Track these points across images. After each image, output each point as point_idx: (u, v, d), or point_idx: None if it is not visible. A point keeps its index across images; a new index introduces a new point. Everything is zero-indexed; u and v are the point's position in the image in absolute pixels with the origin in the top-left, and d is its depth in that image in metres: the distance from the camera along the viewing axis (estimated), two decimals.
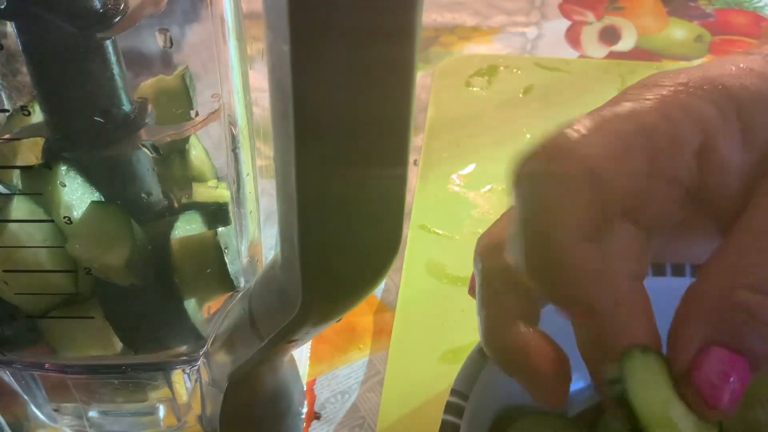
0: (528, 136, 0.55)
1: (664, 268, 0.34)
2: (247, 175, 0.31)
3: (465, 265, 0.47)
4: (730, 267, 0.22)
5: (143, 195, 0.29)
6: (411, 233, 0.49)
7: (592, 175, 0.22)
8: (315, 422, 0.40)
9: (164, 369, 0.33)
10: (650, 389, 0.22)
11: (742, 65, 0.23)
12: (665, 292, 0.33)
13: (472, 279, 0.28)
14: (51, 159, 0.26)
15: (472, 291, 0.28)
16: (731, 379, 0.21)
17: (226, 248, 0.30)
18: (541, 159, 0.22)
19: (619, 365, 0.22)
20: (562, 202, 0.22)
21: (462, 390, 0.30)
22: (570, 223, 0.21)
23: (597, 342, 0.23)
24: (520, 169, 0.23)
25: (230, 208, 0.31)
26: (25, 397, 0.35)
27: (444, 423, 0.29)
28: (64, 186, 0.27)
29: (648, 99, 0.23)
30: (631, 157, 0.22)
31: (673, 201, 0.24)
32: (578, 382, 0.35)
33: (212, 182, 0.31)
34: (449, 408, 0.30)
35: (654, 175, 0.23)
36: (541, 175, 0.22)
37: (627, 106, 0.23)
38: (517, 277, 0.24)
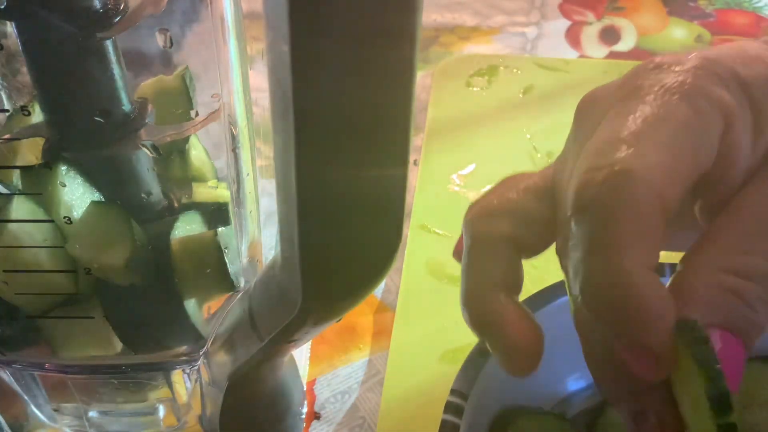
0: (528, 136, 0.55)
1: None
2: (247, 175, 0.31)
3: None
4: (718, 251, 0.22)
5: (143, 195, 0.29)
6: (411, 233, 0.49)
7: (662, 200, 0.21)
8: (315, 422, 0.40)
9: (164, 369, 0.33)
10: None
11: (750, 52, 0.23)
12: None
13: (459, 243, 0.28)
14: (51, 159, 0.26)
15: (457, 255, 0.28)
16: (730, 358, 0.21)
17: (226, 248, 0.30)
18: (607, 185, 0.21)
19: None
20: (633, 230, 0.21)
21: (461, 390, 0.30)
22: (641, 253, 0.21)
23: (622, 369, 0.22)
24: (584, 196, 0.22)
25: (230, 208, 0.31)
26: (25, 397, 0.35)
27: (444, 422, 0.29)
28: (64, 186, 0.27)
29: (670, 90, 0.22)
30: (682, 166, 0.22)
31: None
32: (578, 382, 0.35)
33: (212, 182, 0.31)
34: (449, 408, 0.30)
35: (696, 168, 0.22)
36: (609, 202, 0.21)
37: (655, 103, 0.22)
38: (505, 247, 0.25)
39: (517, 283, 0.26)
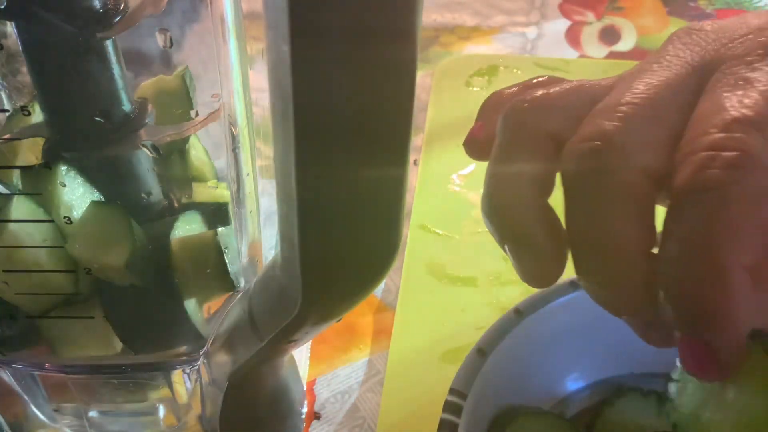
0: None
1: None
2: (247, 175, 0.31)
3: (465, 265, 0.47)
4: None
5: (143, 195, 0.29)
6: (411, 233, 0.49)
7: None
8: (315, 422, 0.40)
9: (164, 369, 0.33)
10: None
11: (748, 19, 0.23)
12: None
13: (476, 129, 0.26)
14: (51, 159, 0.26)
15: (471, 143, 0.26)
16: None
17: (226, 248, 0.30)
18: (730, 172, 0.20)
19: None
20: (743, 224, 0.20)
21: (460, 389, 0.30)
22: (742, 251, 0.19)
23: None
24: (707, 177, 0.20)
25: (230, 208, 0.31)
26: (25, 397, 0.35)
27: (442, 421, 0.29)
28: (64, 186, 0.27)
29: (666, 57, 0.23)
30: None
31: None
32: (577, 382, 0.36)
33: (212, 182, 0.31)
34: (447, 407, 0.30)
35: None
36: (728, 190, 0.20)
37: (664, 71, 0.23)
38: (550, 146, 0.23)
39: (550, 187, 0.24)
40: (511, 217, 0.24)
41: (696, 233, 0.20)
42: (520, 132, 0.24)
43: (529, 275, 0.23)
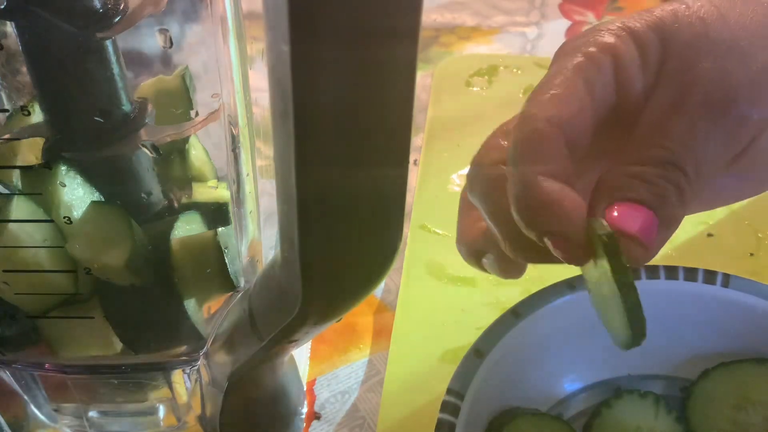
0: None
1: (658, 271, 0.34)
2: (247, 175, 0.31)
3: (465, 265, 0.47)
4: (624, 156, 0.27)
5: (143, 195, 0.29)
6: (411, 233, 0.49)
7: (556, 125, 0.27)
8: (315, 422, 0.40)
9: (164, 369, 0.33)
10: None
11: (649, 12, 0.29)
12: (659, 295, 0.34)
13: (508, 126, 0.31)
14: (51, 159, 0.26)
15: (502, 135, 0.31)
16: (639, 221, 0.25)
17: (226, 248, 0.30)
18: (518, 126, 0.28)
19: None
20: (535, 151, 0.27)
21: (457, 389, 0.30)
22: (546, 167, 0.26)
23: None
24: (512, 138, 0.28)
25: (230, 208, 0.31)
26: (25, 397, 0.35)
27: (440, 421, 0.29)
28: (64, 186, 0.27)
29: (574, 48, 0.29)
30: (575, 98, 0.27)
31: (589, 121, 0.28)
32: (575, 384, 0.36)
33: (212, 182, 0.31)
34: (445, 407, 0.30)
35: (594, 102, 0.28)
36: (520, 137, 0.27)
37: (560, 61, 0.29)
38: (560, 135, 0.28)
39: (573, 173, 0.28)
40: (540, 206, 0.27)
41: (513, 167, 0.27)
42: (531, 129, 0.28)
43: (565, 254, 0.27)
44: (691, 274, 0.34)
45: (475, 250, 0.31)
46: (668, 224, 0.26)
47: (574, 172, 0.27)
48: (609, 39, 0.28)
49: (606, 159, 0.30)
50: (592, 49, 0.28)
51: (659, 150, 0.27)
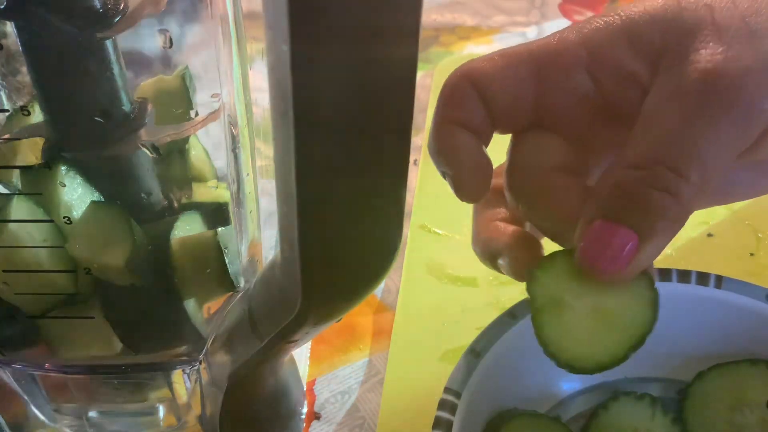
0: None
1: (670, 274, 0.34)
2: (247, 175, 0.31)
3: (465, 265, 0.47)
4: (618, 158, 0.26)
5: (143, 195, 0.29)
6: (411, 233, 0.49)
7: (469, 78, 0.28)
8: (315, 422, 0.40)
9: (164, 369, 0.33)
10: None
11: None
12: (671, 298, 0.34)
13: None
14: (51, 159, 0.26)
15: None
16: (613, 244, 0.24)
17: (226, 248, 0.30)
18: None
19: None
20: (453, 105, 0.28)
21: (455, 388, 0.30)
22: (449, 113, 0.28)
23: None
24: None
25: (230, 208, 0.31)
26: (25, 397, 0.35)
27: (437, 419, 0.29)
28: (64, 186, 0.27)
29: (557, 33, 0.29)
30: (515, 69, 0.28)
31: (582, 112, 0.28)
32: (572, 383, 0.36)
33: (212, 182, 0.31)
34: (443, 405, 0.30)
35: (545, 83, 0.28)
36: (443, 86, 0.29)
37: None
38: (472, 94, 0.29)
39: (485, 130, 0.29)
40: (438, 146, 0.29)
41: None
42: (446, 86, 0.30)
43: (457, 192, 0.29)
44: (684, 276, 0.34)
45: (489, 252, 0.30)
46: (664, 233, 0.25)
47: (489, 126, 0.28)
48: (588, 26, 0.28)
49: (614, 151, 0.29)
50: (567, 33, 0.28)
51: (654, 150, 0.25)
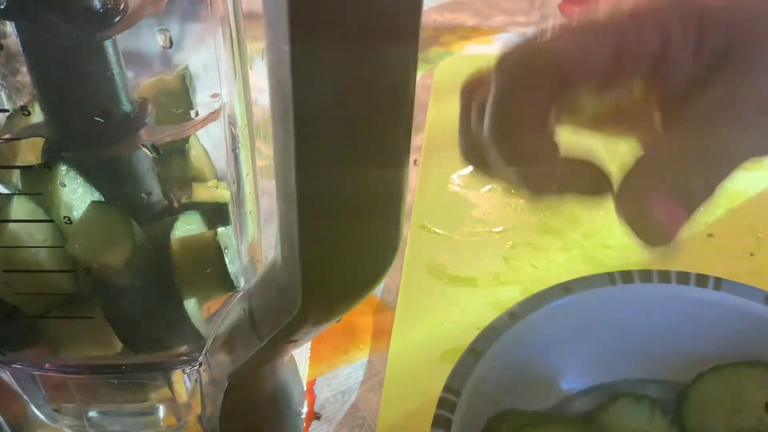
0: None
1: (651, 275, 0.34)
2: (247, 175, 0.31)
3: (465, 265, 0.47)
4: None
5: (143, 195, 0.29)
6: (411, 233, 0.49)
7: (559, 71, 0.26)
8: (315, 422, 0.40)
9: (164, 369, 0.33)
10: None
11: None
12: (652, 299, 0.34)
13: (472, 82, 0.30)
14: (51, 159, 0.26)
15: (469, 93, 0.29)
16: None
17: (226, 248, 0.30)
18: (516, 55, 0.26)
19: None
20: (527, 94, 0.25)
21: (455, 387, 0.30)
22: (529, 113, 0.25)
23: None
24: (500, 62, 0.26)
25: (230, 208, 0.31)
26: (25, 397, 0.35)
27: (437, 417, 0.29)
28: (64, 186, 0.27)
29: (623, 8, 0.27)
30: (599, 50, 0.26)
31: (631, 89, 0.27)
32: (571, 384, 0.36)
33: (212, 182, 0.31)
34: (442, 403, 0.30)
35: (619, 65, 0.26)
36: (514, 67, 0.26)
37: (603, 12, 0.27)
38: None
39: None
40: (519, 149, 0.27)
41: (499, 105, 0.26)
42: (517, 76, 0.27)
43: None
44: (683, 277, 0.34)
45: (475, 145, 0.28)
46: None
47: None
48: (662, 15, 0.26)
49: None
50: (644, 22, 0.26)
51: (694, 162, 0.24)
